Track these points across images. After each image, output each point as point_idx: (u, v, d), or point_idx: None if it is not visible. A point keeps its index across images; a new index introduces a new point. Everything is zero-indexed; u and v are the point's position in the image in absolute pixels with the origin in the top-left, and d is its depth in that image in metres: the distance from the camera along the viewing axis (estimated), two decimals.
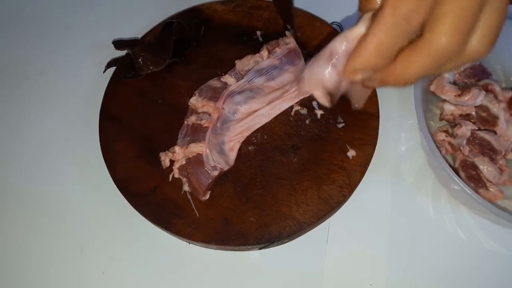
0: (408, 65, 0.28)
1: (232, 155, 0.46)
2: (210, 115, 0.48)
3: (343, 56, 0.30)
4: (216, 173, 0.45)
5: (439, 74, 0.36)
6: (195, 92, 0.49)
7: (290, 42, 0.49)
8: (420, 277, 0.44)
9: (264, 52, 0.50)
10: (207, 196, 0.45)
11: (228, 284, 0.45)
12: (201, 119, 0.48)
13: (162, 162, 0.47)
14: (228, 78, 0.50)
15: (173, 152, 0.47)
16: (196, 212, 0.44)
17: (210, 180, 0.45)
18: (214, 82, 0.50)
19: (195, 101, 0.49)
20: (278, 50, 0.49)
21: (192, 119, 0.48)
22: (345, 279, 0.44)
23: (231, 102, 0.47)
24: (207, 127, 0.47)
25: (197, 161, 0.46)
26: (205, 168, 0.45)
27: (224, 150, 0.46)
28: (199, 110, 0.49)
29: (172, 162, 0.47)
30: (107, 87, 0.52)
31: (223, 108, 0.47)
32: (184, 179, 0.46)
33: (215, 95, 0.49)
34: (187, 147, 0.46)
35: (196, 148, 0.46)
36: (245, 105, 0.46)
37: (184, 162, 0.46)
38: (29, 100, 0.56)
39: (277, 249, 0.45)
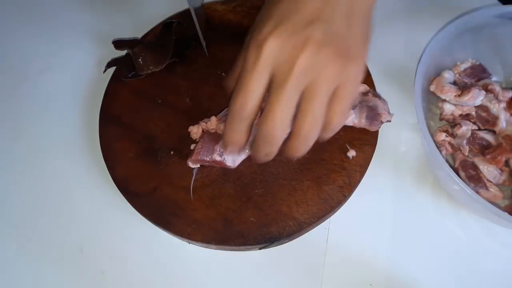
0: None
1: (240, 160, 0.46)
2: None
3: None
4: (217, 158, 0.44)
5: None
6: None
7: None
8: (420, 277, 0.44)
9: None
10: (193, 166, 0.45)
11: (228, 284, 0.45)
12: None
13: (193, 135, 0.47)
14: None
15: (207, 122, 0.47)
16: (191, 195, 0.45)
17: (206, 158, 0.44)
18: None
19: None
20: None
21: None
22: (345, 279, 0.44)
23: None
24: None
25: (215, 136, 0.46)
26: (214, 147, 0.45)
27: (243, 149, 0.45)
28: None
29: (203, 132, 0.47)
30: (107, 87, 0.52)
31: None
32: (193, 145, 0.46)
33: None
34: (221, 122, 0.46)
35: None
36: None
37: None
38: (29, 100, 0.56)
39: (277, 249, 0.45)
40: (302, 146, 0.37)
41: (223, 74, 0.51)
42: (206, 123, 0.47)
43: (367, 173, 0.46)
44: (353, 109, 0.46)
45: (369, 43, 0.37)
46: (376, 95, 0.48)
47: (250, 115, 0.36)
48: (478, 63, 0.51)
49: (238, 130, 0.37)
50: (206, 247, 0.45)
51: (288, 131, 0.36)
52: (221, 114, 0.48)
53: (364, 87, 0.48)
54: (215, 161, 0.45)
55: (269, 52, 0.34)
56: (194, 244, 0.45)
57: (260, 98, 0.35)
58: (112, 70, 0.53)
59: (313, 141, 0.37)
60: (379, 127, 0.47)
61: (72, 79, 0.57)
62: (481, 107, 0.48)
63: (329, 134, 0.39)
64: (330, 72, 0.34)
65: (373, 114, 0.46)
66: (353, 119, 0.46)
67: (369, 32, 0.38)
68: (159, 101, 0.51)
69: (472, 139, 0.47)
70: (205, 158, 0.45)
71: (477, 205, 0.40)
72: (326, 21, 0.34)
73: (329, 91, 0.35)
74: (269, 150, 0.37)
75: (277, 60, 0.34)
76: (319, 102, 0.35)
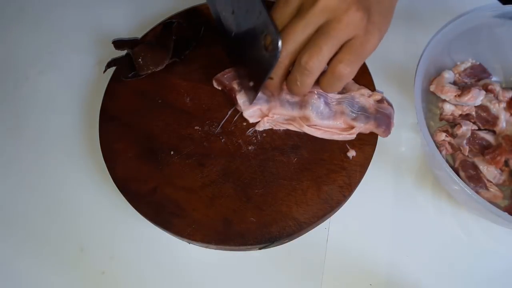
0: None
1: (249, 109, 0.47)
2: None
3: None
4: (234, 86, 0.48)
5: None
6: None
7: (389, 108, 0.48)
8: (420, 277, 0.44)
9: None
10: (215, 86, 0.50)
11: (228, 284, 0.45)
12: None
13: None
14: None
15: None
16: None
17: (226, 82, 0.48)
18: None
19: None
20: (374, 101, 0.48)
21: None
22: (345, 279, 0.44)
23: (316, 102, 0.46)
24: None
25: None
26: (236, 79, 0.48)
27: (264, 100, 0.47)
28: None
29: None
30: (107, 87, 0.52)
31: (315, 94, 0.46)
32: None
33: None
34: None
35: None
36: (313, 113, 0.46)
37: None
38: (29, 100, 0.56)
39: (277, 249, 0.45)
40: (301, 80, 0.39)
41: None
42: None
43: (367, 173, 0.46)
44: (370, 116, 0.46)
45: (387, 25, 0.40)
46: (389, 103, 0.48)
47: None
48: (478, 63, 0.51)
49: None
50: (206, 247, 0.45)
51: (292, 56, 0.39)
52: None
53: (380, 95, 0.48)
54: (231, 89, 0.47)
55: None
56: (194, 244, 0.45)
57: (284, 23, 0.39)
58: (112, 70, 0.53)
59: (313, 78, 0.40)
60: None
61: (72, 79, 0.57)
62: (481, 107, 0.48)
63: (331, 84, 0.41)
64: (350, 18, 0.37)
65: (388, 122, 0.47)
66: (373, 129, 0.46)
67: (391, 16, 0.41)
68: (159, 101, 0.51)
69: (472, 139, 0.47)
70: (226, 82, 0.47)
71: (477, 205, 0.40)
72: None
73: (342, 34, 0.37)
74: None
75: None
76: (330, 39, 0.37)
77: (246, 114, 0.47)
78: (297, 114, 0.47)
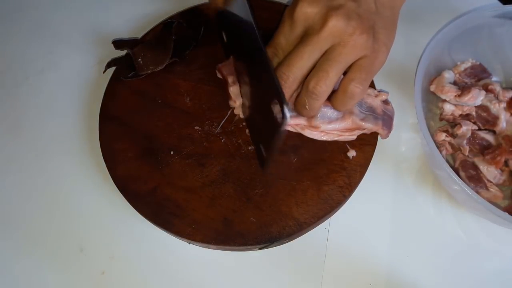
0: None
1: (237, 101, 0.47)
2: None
3: None
4: (230, 80, 0.47)
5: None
6: None
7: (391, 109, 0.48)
8: (420, 277, 0.44)
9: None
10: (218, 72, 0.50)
11: (228, 284, 0.45)
12: None
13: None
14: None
15: None
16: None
17: (225, 72, 0.48)
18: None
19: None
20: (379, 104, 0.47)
21: None
22: (345, 279, 0.44)
23: (322, 109, 0.45)
24: None
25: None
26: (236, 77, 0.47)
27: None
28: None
29: None
30: (107, 87, 0.52)
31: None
32: None
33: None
34: None
35: None
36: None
37: None
38: (29, 100, 0.56)
39: (277, 249, 0.45)
40: (310, 104, 0.40)
41: None
42: None
43: (367, 173, 0.46)
44: (378, 117, 0.46)
45: (393, 37, 0.41)
46: (391, 105, 0.48)
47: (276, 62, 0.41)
48: (478, 63, 0.51)
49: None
50: (206, 247, 0.45)
51: (299, 81, 0.40)
52: None
53: (386, 95, 0.48)
54: (226, 82, 0.47)
55: (303, 12, 0.38)
56: (194, 244, 0.45)
57: (288, 53, 0.40)
58: (112, 70, 0.53)
59: (321, 101, 0.40)
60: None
61: (72, 79, 0.57)
62: (481, 107, 0.48)
63: (344, 103, 0.41)
64: (355, 42, 0.37)
65: (391, 124, 0.47)
66: (378, 130, 0.46)
67: (395, 27, 0.42)
68: (159, 101, 0.51)
69: (472, 139, 0.47)
70: (224, 72, 0.47)
71: (477, 205, 0.40)
72: (356, 0, 0.38)
73: (348, 58, 0.38)
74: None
75: (310, 20, 0.38)
76: (337, 63, 0.38)
77: None
78: (304, 122, 0.46)
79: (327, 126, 0.46)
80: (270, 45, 0.41)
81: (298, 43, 0.39)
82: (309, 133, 0.46)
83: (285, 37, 0.40)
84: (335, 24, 0.37)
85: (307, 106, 0.40)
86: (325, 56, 0.38)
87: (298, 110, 0.42)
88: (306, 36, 0.38)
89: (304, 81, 0.39)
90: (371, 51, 0.38)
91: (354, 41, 0.37)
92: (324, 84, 0.38)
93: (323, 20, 0.37)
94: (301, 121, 0.46)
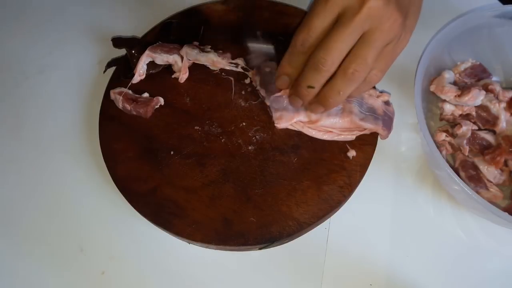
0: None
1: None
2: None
3: None
4: (226, 67, 0.50)
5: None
6: None
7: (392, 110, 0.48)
8: (420, 277, 0.44)
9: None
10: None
11: (228, 284, 0.45)
12: None
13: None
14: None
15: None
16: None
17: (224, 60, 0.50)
18: None
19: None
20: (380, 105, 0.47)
21: None
22: (345, 279, 0.44)
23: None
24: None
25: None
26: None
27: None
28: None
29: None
30: (107, 87, 0.52)
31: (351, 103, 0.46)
32: None
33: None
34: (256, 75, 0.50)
35: None
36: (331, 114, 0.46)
37: None
38: (29, 100, 0.56)
39: (277, 249, 0.45)
40: (344, 89, 0.39)
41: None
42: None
43: (367, 173, 0.46)
44: (379, 118, 0.46)
45: (416, 22, 0.41)
46: (392, 106, 0.48)
47: (308, 51, 0.39)
48: (478, 63, 0.51)
49: (294, 64, 0.40)
50: (206, 247, 0.45)
51: (336, 65, 0.38)
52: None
53: (387, 96, 0.48)
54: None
55: None
56: (194, 244, 0.45)
57: (322, 35, 0.37)
58: (112, 70, 0.53)
59: (352, 88, 0.39)
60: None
61: (72, 79, 0.57)
62: (481, 107, 0.48)
63: (361, 89, 0.40)
64: (392, 25, 0.36)
65: (391, 125, 0.47)
66: (378, 130, 0.46)
67: (419, 12, 0.41)
68: None
69: (472, 139, 0.47)
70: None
71: (477, 205, 0.40)
72: None
73: (384, 43, 0.37)
74: (313, 80, 0.39)
75: (347, 2, 0.36)
76: (375, 49, 0.37)
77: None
78: (303, 118, 0.46)
79: (326, 121, 0.46)
80: (301, 30, 0.38)
81: (335, 25, 0.37)
82: (308, 131, 0.46)
83: (319, 19, 0.37)
84: (374, 4, 0.35)
85: (341, 92, 0.39)
86: (362, 41, 0.37)
87: (329, 97, 0.40)
88: (343, 18, 0.36)
89: (340, 66, 0.38)
90: (398, 37, 0.37)
91: (391, 26, 0.36)
92: (363, 71, 0.37)
93: (360, 3, 0.35)
94: (301, 117, 0.46)
